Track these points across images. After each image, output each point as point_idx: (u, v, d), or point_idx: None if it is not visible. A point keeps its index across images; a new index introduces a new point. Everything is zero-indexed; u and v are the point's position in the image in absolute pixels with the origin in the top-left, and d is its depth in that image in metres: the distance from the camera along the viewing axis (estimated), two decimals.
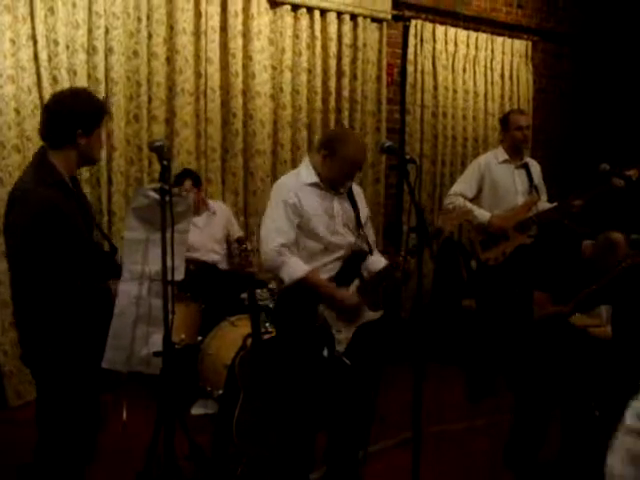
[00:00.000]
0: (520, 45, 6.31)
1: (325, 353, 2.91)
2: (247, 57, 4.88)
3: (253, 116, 4.95)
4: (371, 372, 3.10)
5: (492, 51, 6.11)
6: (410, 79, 5.69)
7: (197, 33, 4.68)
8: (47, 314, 2.37)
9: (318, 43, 5.17)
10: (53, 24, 4.10)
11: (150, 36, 4.50)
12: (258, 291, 3.71)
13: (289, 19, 5.02)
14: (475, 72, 6.03)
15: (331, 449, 3.12)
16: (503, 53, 6.18)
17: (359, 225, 3.06)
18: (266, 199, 3.15)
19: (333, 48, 5.22)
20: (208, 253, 4.63)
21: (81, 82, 4.19)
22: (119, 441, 3.52)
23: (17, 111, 3.99)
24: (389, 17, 5.48)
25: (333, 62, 5.25)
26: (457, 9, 5.88)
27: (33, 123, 3.96)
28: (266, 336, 3.49)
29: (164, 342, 2.42)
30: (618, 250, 3.36)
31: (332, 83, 5.26)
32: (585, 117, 6.80)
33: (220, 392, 3.72)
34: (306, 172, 3.00)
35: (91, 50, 4.26)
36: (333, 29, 5.20)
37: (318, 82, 5.20)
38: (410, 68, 5.67)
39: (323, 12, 5.16)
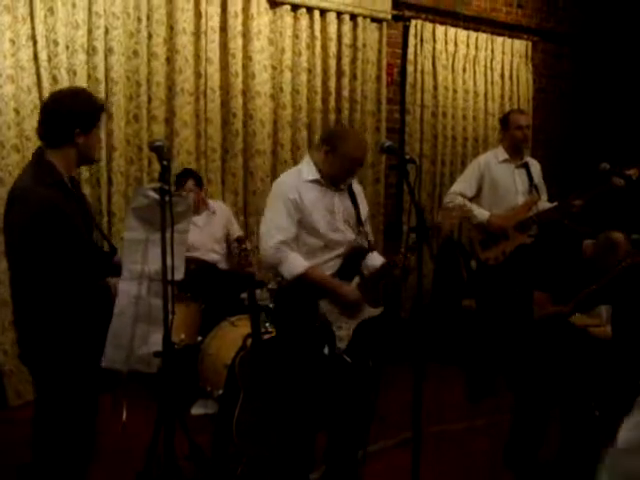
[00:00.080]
0: (520, 45, 6.31)
1: (326, 351, 2.91)
2: (247, 57, 4.88)
3: (253, 116, 4.95)
4: (371, 369, 3.10)
5: (492, 51, 6.11)
6: (410, 79, 5.69)
7: (197, 33, 4.68)
8: (46, 313, 2.37)
9: (318, 43, 5.17)
10: (53, 24, 4.10)
11: (150, 36, 4.50)
12: (258, 291, 3.71)
13: (289, 19, 5.02)
14: (475, 72, 6.03)
15: (331, 448, 3.12)
16: (503, 53, 6.18)
17: (359, 222, 3.06)
18: (266, 199, 3.15)
19: (333, 48, 5.22)
20: (208, 252, 4.63)
21: (81, 82, 4.19)
22: (119, 441, 3.52)
23: (17, 111, 3.99)
24: (389, 17, 5.48)
25: (333, 62, 5.25)
26: (457, 9, 5.88)
27: (33, 123, 3.95)
28: (266, 336, 3.49)
29: (164, 342, 2.42)
30: (619, 250, 3.36)
31: (332, 83, 5.27)
32: (585, 117, 6.80)
33: (220, 392, 3.72)
34: (307, 169, 3.00)
35: (91, 50, 4.26)
36: (333, 29, 5.20)
37: (318, 82, 5.20)
38: (410, 68, 5.67)
39: (323, 12, 5.16)
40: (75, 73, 4.19)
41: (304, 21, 5.08)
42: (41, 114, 2.45)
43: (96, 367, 2.49)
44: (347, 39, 5.29)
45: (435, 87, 5.83)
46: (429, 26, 5.71)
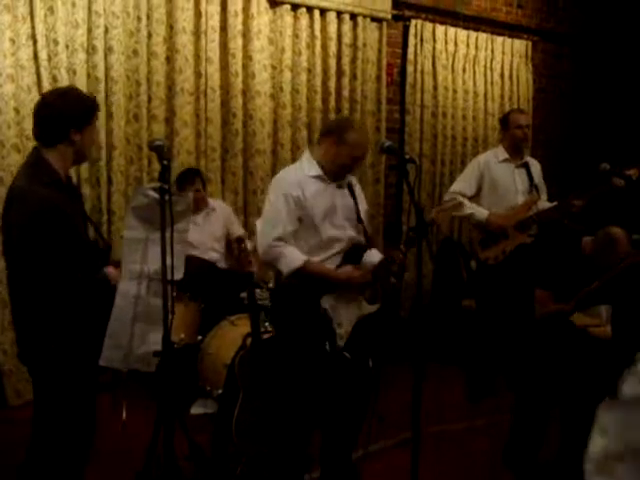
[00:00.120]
0: (520, 45, 6.31)
1: (327, 347, 2.91)
2: (247, 57, 4.88)
3: (253, 116, 4.94)
4: (371, 369, 3.10)
5: (492, 51, 6.11)
6: (410, 79, 5.69)
7: (197, 32, 4.67)
8: (45, 312, 2.37)
9: (318, 43, 5.16)
10: (53, 23, 4.10)
11: (150, 35, 4.50)
12: (258, 290, 3.71)
13: (289, 18, 5.02)
14: (475, 72, 6.03)
15: (325, 448, 3.12)
16: (503, 53, 6.18)
17: (359, 219, 3.06)
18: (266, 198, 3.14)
19: (333, 48, 5.22)
20: (207, 251, 4.62)
21: (81, 81, 4.19)
22: (119, 441, 3.51)
23: (17, 110, 3.99)
24: (389, 17, 5.48)
25: (333, 62, 5.25)
26: (457, 9, 5.88)
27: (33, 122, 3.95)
28: (266, 335, 3.49)
29: (163, 342, 2.41)
30: (618, 245, 3.35)
31: (332, 83, 5.26)
32: (585, 117, 6.80)
33: (220, 391, 3.72)
34: (308, 165, 2.99)
35: (91, 49, 4.26)
36: (333, 29, 5.19)
37: (318, 82, 5.20)
38: (410, 68, 5.67)
39: (323, 12, 5.15)
40: (75, 72, 4.19)
41: (304, 20, 5.07)
42: (34, 117, 2.46)
43: (95, 366, 2.49)
44: (347, 39, 5.29)
45: (435, 87, 5.83)
46: (429, 26, 5.71)
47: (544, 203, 4.46)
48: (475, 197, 4.44)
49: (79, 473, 2.56)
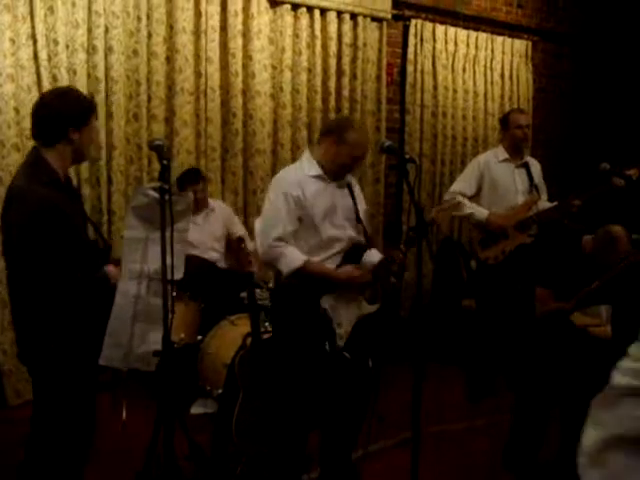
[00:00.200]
0: (520, 45, 6.31)
1: (327, 348, 2.91)
2: (247, 56, 4.88)
3: (253, 115, 4.94)
4: (370, 369, 3.10)
5: (492, 51, 6.11)
6: (410, 79, 5.69)
7: (197, 32, 4.67)
8: (44, 312, 2.37)
9: (318, 42, 5.16)
10: (53, 23, 4.10)
11: (150, 35, 4.49)
12: (258, 290, 3.71)
13: (289, 18, 5.02)
14: (475, 72, 6.03)
15: (324, 448, 3.12)
16: (503, 53, 6.18)
17: (358, 219, 3.06)
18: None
19: (333, 47, 5.22)
20: (207, 251, 4.62)
21: (81, 81, 4.19)
22: (119, 441, 3.51)
23: (17, 110, 3.98)
24: (389, 16, 5.48)
25: (333, 61, 5.25)
26: (457, 9, 5.88)
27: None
28: (266, 335, 3.49)
29: (163, 341, 2.41)
30: (619, 244, 3.35)
31: (332, 82, 5.26)
32: (585, 117, 6.80)
33: (220, 391, 3.72)
34: (308, 165, 2.98)
35: (91, 49, 4.26)
36: (333, 28, 5.19)
37: (318, 81, 5.20)
38: (410, 68, 5.67)
39: (323, 11, 5.15)
40: (75, 72, 4.19)
41: (304, 20, 5.07)
42: (32, 117, 2.47)
43: (94, 366, 2.49)
44: (347, 38, 5.29)
45: (435, 87, 5.83)
46: (429, 26, 5.71)
47: (544, 203, 4.46)
48: (475, 197, 4.44)
49: (78, 473, 2.56)
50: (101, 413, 2.65)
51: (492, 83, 6.15)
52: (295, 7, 5.03)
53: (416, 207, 2.45)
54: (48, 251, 2.31)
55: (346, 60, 5.31)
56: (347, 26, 5.27)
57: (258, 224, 3.02)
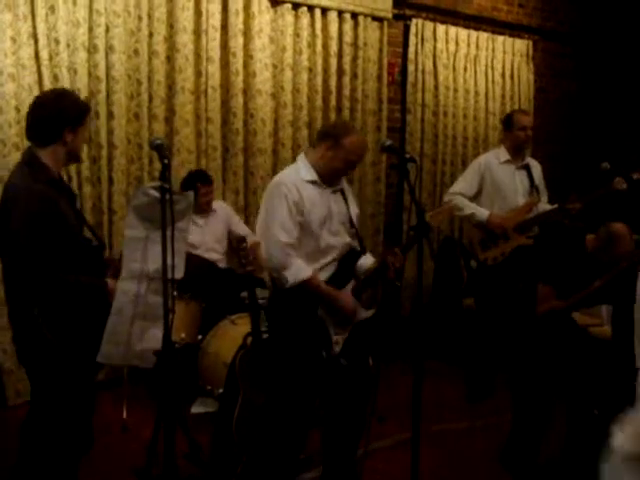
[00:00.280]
0: (521, 44, 6.30)
1: (324, 354, 2.90)
2: (248, 56, 4.87)
3: (254, 115, 4.94)
4: (370, 369, 3.10)
5: (493, 50, 6.11)
6: (411, 78, 5.68)
7: (198, 32, 4.67)
8: (42, 310, 2.37)
9: (319, 42, 5.16)
10: (54, 22, 4.10)
11: (151, 34, 4.49)
12: (258, 290, 3.71)
13: (290, 17, 5.02)
14: (476, 71, 6.03)
15: (326, 448, 3.11)
16: (504, 52, 6.18)
17: (352, 223, 3.05)
18: None
19: (334, 47, 5.22)
20: (208, 251, 4.62)
21: (82, 80, 4.19)
22: (119, 440, 3.52)
23: (17, 109, 3.98)
24: (390, 16, 5.48)
25: (334, 61, 5.24)
26: (458, 8, 5.87)
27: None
28: (266, 335, 3.48)
29: (164, 341, 2.41)
30: (621, 241, 3.34)
31: (333, 82, 5.26)
32: (586, 116, 6.80)
33: (220, 391, 3.72)
34: (305, 169, 2.96)
35: (92, 48, 4.26)
36: (334, 28, 5.19)
37: (319, 81, 5.20)
38: (411, 67, 5.66)
39: (324, 10, 5.15)
40: (76, 71, 4.19)
41: (305, 19, 5.07)
42: (28, 117, 2.48)
43: (93, 365, 2.49)
44: (348, 38, 5.29)
45: (436, 86, 5.83)
46: (430, 25, 5.71)
47: (544, 205, 4.46)
48: (476, 198, 4.44)
49: (73, 473, 2.56)
50: (101, 413, 2.65)
51: (493, 83, 6.14)
52: (296, 6, 5.03)
53: (417, 207, 2.45)
54: (46, 250, 2.31)
55: (347, 59, 5.31)
56: (348, 25, 5.27)
57: (260, 229, 2.98)
